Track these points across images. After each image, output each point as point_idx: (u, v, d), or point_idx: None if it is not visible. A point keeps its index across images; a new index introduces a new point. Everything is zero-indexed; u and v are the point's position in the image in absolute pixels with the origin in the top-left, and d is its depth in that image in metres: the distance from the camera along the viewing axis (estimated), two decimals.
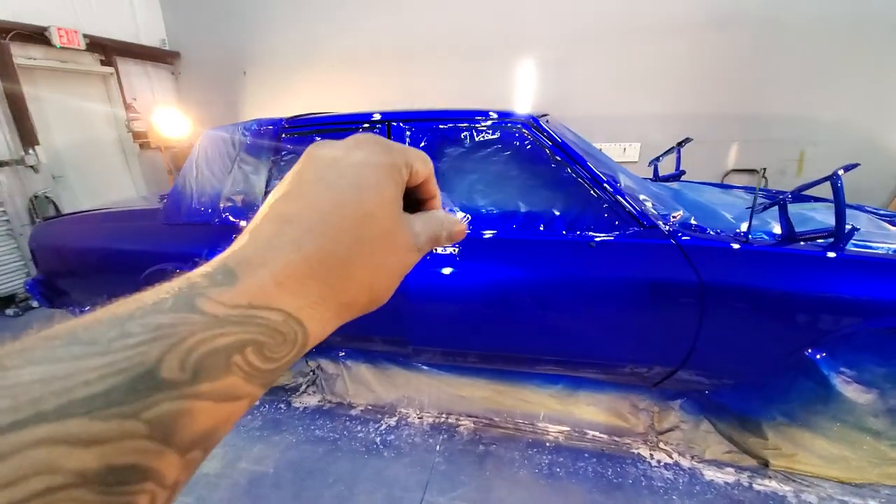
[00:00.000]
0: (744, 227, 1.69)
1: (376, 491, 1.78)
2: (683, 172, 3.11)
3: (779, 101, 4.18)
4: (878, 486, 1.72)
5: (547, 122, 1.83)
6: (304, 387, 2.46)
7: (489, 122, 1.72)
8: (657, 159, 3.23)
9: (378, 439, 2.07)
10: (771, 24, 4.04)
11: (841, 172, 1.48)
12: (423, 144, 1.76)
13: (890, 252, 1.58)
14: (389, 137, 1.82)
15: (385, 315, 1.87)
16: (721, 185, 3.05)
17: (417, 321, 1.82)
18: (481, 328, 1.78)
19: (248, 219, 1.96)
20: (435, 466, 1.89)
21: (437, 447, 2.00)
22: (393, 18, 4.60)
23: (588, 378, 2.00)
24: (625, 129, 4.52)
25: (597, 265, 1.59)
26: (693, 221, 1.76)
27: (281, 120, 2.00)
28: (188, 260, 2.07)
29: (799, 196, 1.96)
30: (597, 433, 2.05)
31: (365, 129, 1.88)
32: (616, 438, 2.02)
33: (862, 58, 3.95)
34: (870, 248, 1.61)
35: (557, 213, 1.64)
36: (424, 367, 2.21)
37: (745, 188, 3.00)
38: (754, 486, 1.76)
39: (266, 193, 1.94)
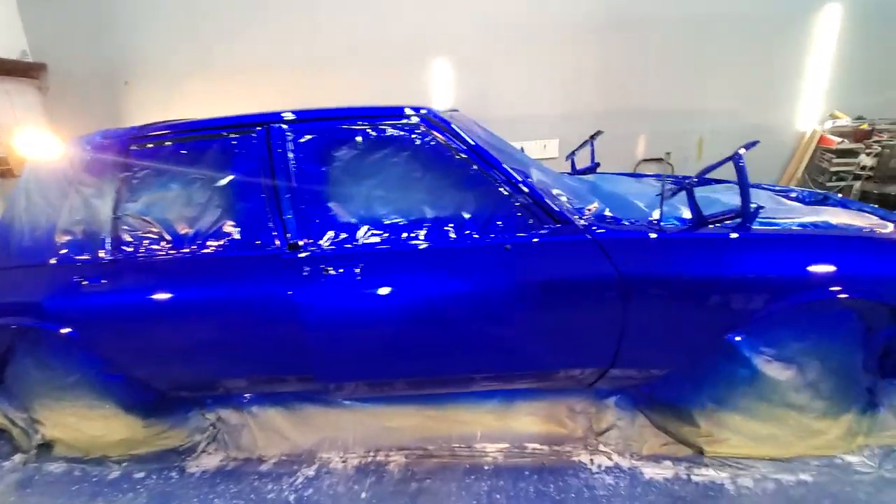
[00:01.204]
0: (656, 214, 1.65)
1: None
2: (598, 165, 3.14)
3: (676, 95, 4.47)
4: (807, 458, 1.75)
5: (451, 117, 1.67)
6: (202, 446, 2.06)
7: (383, 120, 1.52)
8: (573, 153, 3.24)
9: (293, 497, 1.76)
10: (662, 25, 4.31)
11: (742, 151, 1.47)
12: (309, 148, 1.52)
13: (794, 227, 1.61)
14: (269, 142, 1.55)
15: (287, 351, 1.60)
16: (633, 175, 3.10)
17: (323, 353, 1.56)
18: (397, 352, 1.56)
19: (93, 253, 1.58)
20: None
21: (363, 494, 1.74)
22: (291, 26, 4.29)
23: (523, 388, 1.87)
24: (543, 127, 4.58)
25: (515, 268, 1.45)
26: (608, 213, 1.69)
27: (132, 129, 1.65)
28: (20, 312, 1.63)
29: (704, 179, 1.98)
30: (537, 445, 1.91)
31: (240, 135, 1.59)
32: (556, 448, 1.90)
33: (743, 50, 4.35)
34: (775, 224, 1.63)
35: (467, 217, 1.48)
36: (346, 402, 1.95)
37: (655, 176, 3.09)
38: (693, 477, 1.71)
39: (117, 219, 1.57)
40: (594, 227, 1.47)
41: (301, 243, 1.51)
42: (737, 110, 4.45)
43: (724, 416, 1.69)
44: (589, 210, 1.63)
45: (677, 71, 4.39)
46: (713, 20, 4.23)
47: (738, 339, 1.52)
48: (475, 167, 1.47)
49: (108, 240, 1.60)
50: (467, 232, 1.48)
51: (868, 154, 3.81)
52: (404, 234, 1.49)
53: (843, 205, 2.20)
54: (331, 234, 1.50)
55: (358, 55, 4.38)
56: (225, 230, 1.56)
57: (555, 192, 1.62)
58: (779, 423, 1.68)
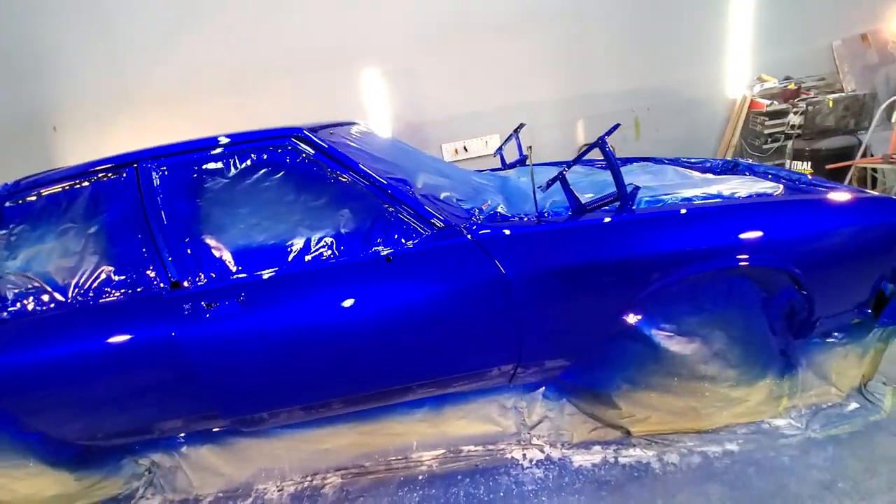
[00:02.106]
0: (548, 204, 1.66)
1: None
2: (526, 157, 3.14)
3: (606, 78, 4.53)
4: (734, 427, 1.77)
5: (332, 133, 1.66)
6: (140, 492, 2.02)
7: (251, 146, 1.49)
8: (500, 149, 3.24)
9: None
10: (583, 12, 4.38)
11: (607, 139, 1.47)
12: (179, 182, 1.49)
13: (679, 201, 1.63)
14: (139, 181, 1.51)
15: (184, 391, 1.56)
16: (560, 163, 3.10)
17: (219, 389, 1.53)
18: (291, 377, 1.54)
19: None
20: None
21: None
22: (210, 47, 4.22)
23: (451, 392, 1.86)
24: (481, 124, 4.59)
25: (398, 278, 1.44)
26: (501, 210, 1.69)
27: (5, 186, 1.60)
28: None
29: (585, 163, 1.98)
30: (472, 447, 1.91)
31: (110, 177, 1.55)
32: (491, 447, 1.89)
33: (665, 26, 4.42)
34: (660, 201, 1.65)
35: (347, 233, 1.46)
36: (277, 430, 1.91)
37: (587, 162, 3.08)
38: (620, 459, 1.72)
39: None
40: (476, 228, 1.47)
41: (185, 283, 1.48)
42: (668, 86, 4.52)
43: (640, 395, 1.70)
44: (480, 209, 1.63)
45: (606, 54, 4.45)
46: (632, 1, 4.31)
47: (634, 319, 1.54)
48: (349, 183, 1.46)
49: None
50: (348, 248, 1.46)
51: (795, 113, 3.90)
52: (285, 259, 1.46)
53: (751, 170, 2.24)
54: (211, 268, 1.47)
55: (282, 72, 4.33)
56: (107, 277, 1.51)
57: (443, 195, 1.61)
58: (695, 395, 1.70)
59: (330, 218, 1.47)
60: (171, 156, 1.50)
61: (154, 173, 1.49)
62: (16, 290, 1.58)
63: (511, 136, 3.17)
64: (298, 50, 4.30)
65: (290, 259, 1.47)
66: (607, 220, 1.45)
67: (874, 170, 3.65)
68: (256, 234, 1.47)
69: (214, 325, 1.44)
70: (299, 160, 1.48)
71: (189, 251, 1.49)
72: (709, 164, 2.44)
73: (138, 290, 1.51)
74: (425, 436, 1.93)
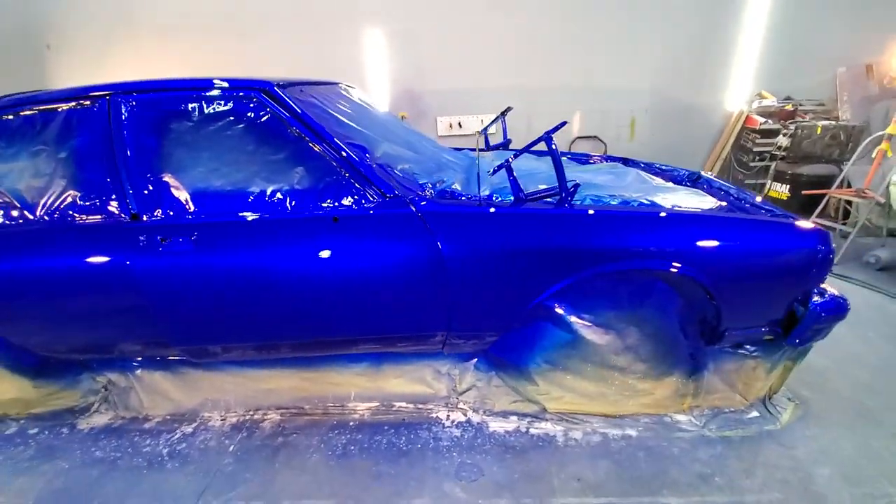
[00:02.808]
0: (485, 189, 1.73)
1: None
2: (510, 141, 3.19)
3: (609, 73, 4.50)
4: (639, 416, 1.93)
5: (301, 91, 1.71)
6: (95, 406, 2.18)
7: (220, 93, 1.56)
8: (485, 129, 3.27)
9: (166, 451, 1.89)
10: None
11: (553, 136, 1.54)
12: (148, 119, 1.56)
13: (615, 203, 1.72)
14: (110, 113, 1.58)
15: (135, 319, 1.69)
16: (537, 152, 3.15)
17: (168, 320, 1.66)
18: (233, 317, 1.66)
19: None
20: (221, 469, 1.77)
21: (231, 448, 1.88)
22: None
23: (391, 352, 2.00)
24: (479, 102, 4.60)
25: (343, 240, 1.55)
26: (456, 187, 1.78)
27: None
28: None
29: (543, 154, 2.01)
30: (403, 404, 2.07)
31: (83, 106, 1.61)
32: (420, 406, 2.06)
33: (676, 29, 4.37)
34: (601, 201, 1.74)
35: (301, 189, 1.55)
36: (227, 366, 2.06)
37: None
38: (531, 430, 1.89)
39: None
40: (421, 201, 1.56)
41: (144, 216, 1.58)
42: (669, 90, 4.52)
43: (558, 375, 1.85)
44: (434, 185, 1.72)
45: (611, 50, 4.42)
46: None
47: (557, 306, 1.66)
48: (307, 142, 1.53)
49: None
50: (300, 204, 1.55)
51: (784, 135, 3.94)
52: (238, 206, 1.56)
53: (709, 183, 2.33)
54: (169, 205, 1.57)
55: (283, 21, 4.27)
56: (73, 201, 1.61)
57: (400, 167, 1.69)
58: (605, 382, 1.85)
59: (286, 173, 1.56)
60: (143, 92, 1.56)
61: (124, 107, 1.55)
62: None
63: (497, 118, 3.19)
64: (302, 0, 4.23)
65: (243, 206, 1.56)
66: (540, 210, 1.54)
67: (848, 202, 3.74)
68: (215, 179, 1.56)
69: (166, 258, 1.55)
70: (264, 114, 1.54)
71: (150, 186, 1.57)
72: (675, 174, 2.52)
73: (101, 217, 1.61)
74: (363, 388, 2.08)
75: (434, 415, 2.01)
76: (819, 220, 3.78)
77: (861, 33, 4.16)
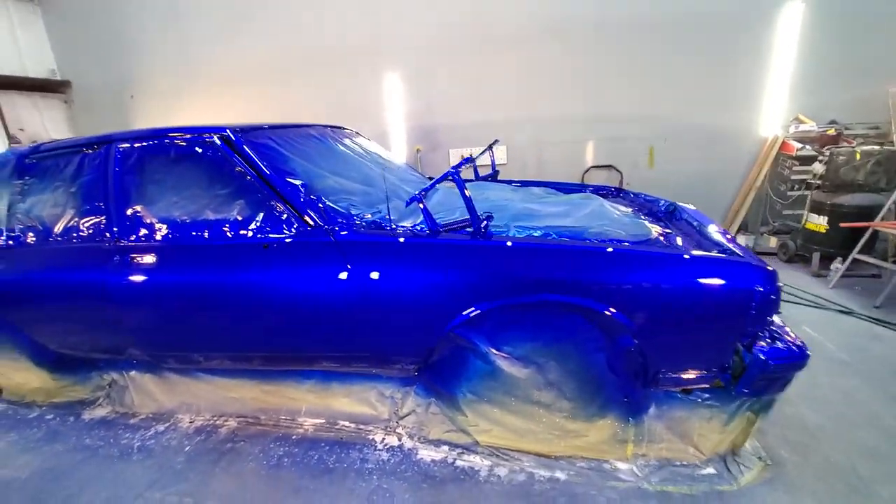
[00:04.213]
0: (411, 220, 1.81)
1: (103, 491, 1.86)
2: (498, 172, 3.25)
3: (627, 100, 4.40)
4: (575, 459, 1.83)
5: (258, 135, 1.95)
6: (100, 400, 2.53)
7: (187, 138, 1.84)
8: (473, 160, 3.35)
9: (137, 445, 2.14)
10: (611, 29, 4.26)
11: (460, 169, 1.59)
12: (131, 161, 1.90)
13: (535, 234, 1.72)
14: (109, 158, 1.95)
15: (113, 327, 1.99)
16: (523, 182, 3.16)
17: (135, 329, 1.93)
18: (186, 328, 1.89)
19: None
20: (172, 466, 1.97)
21: (187, 448, 2.08)
22: (260, 40, 4.78)
23: (339, 371, 2.11)
24: (491, 134, 4.62)
25: (272, 265, 1.72)
26: (391, 217, 1.88)
27: (29, 147, 2.13)
28: None
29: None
30: (346, 423, 2.15)
31: (92, 151, 2.00)
32: (362, 426, 2.12)
33: (699, 53, 4.19)
34: (526, 231, 1.74)
35: (241, 219, 1.77)
36: (201, 373, 2.30)
37: (543, 184, 3.11)
38: (457, 462, 1.86)
39: (11, 218, 2.07)
40: (341, 231, 1.69)
41: (122, 240, 1.89)
42: (692, 116, 4.28)
43: (484, 407, 1.82)
44: (363, 217, 1.84)
45: (628, 75, 4.31)
46: (667, 22, 4.12)
47: (471, 336, 1.67)
48: (249, 179, 1.75)
49: (5, 231, 2.09)
50: (239, 232, 1.76)
51: (820, 161, 3.54)
52: (192, 233, 1.81)
53: (681, 216, 2.21)
54: (141, 230, 1.86)
55: (316, 66, 4.78)
56: (76, 226, 1.97)
57: (331, 199, 1.84)
58: (533, 419, 1.79)
59: (230, 205, 1.78)
60: (130, 140, 1.91)
61: (119, 152, 1.91)
62: (21, 226, 2.10)
63: (485, 150, 3.28)
64: (330, 48, 4.72)
65: (195, 233, 1.81)
66: (444, 241, 1.60)
67: None
68: (175, 210, 1.83)
69: (130, 275, 1.83)
70: (216, 155, 1.80)
71: (129, 215, 1.89)
72: (655, 205, 2.43)
73: (96, 240, 1.95)
74: (313, 404, 2.20)
75: (371, 436, 2.06)
76: (863, 257, 3.30)
77: None
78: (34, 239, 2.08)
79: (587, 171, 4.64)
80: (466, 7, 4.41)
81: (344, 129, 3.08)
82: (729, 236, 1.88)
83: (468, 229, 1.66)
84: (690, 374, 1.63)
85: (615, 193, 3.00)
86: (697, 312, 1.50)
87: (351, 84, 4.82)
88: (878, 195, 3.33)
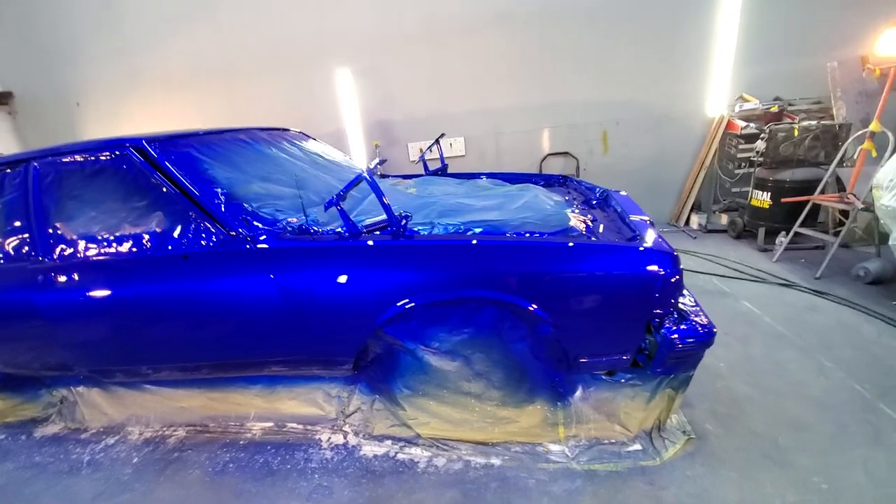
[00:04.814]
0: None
1: None
2: (447, 166, 3.27)
3: (575, 89, 4.42)
4: (511, 444, 1.89)
5: (174, 144, 1.92)
6: (52, 417, 2.52)
7: (100, 152, 1.82)
8: (422, 155, 3.37)
9: (87, 459, 2.15)
10: (557, 17, 4.26)
11: (366, 175, 1.59)
12: (48, 178, 1.87)
13: (452, 230, 1.75)
14: (28, 176, 1.91)
15: (45, 345, 1.98)
16: (463, 175, 3.17)
17: (65, 345, 1.93)
18: (115, 342, 1.89)
19: None
20: (119, 477, 1.99)
21: (134, 460, 2.10)
22: (206, 40, 4.67)
23: (285, 375, 2.13)
24: (448, 126, 4.67)
25: (193, 275, 1.72)
26: (320, 219, 1.89)
27: None
28: None
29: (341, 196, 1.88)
30: (294, 425, 2.18)
31: (13, 170, 1.96)
32: (310, 427, 2.15)
33: (644, 37, 4.22)
34: (449, 227, 1.78)
35: (159, 231, 1.76)
36: (149, 385, 2.30)
37: (491, 175, 3.14)
38: (399, 455, 1.92)
39: None
40: (260, 237, 1.70)
41: (43, 258, 1.87)
42: (642, 99, 4.34)
43: (421, 400, 1.88)
44: (290, 223, 1.84)
45: (579, 61, 4.34)
46: (611, 5, 4.14)
47: (398, 333, 1.71)
48: (166, 190, 1.74)
49: None
50: (158, 244, 1.75)
51: (762, 139, 3.64)
52: (113, 247, 1.79)
53: (609, 203, 2.26)
54: (60, 248, 1.84)
55: (265, 65, 4.69)
56: (2, 246, 1.94)
57: (254, 206, 1.83)
58: (467, 409, 1.85)
59: (148, 217, 1.77)
60: (44, 157, 1.87)
61: (36, 170, 1.87)
62: None
63: (432, 143, 3.30)
64: (280, 46, 4.63)
65: (116, 247, 1.80)
66: (360, 243, 1.63)
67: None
68: (95, 225, 1.82)
69: (56, 294, 1.82)
70: (132, 167, 1.78)
71: (50, 232, 1.87)
72: (592, 193, 2.48)
73: (20, 260, 1.92)
74: (261, 409, 2.23)
75: (318, 436, 2.10)
76: (804, 230, 3.43)
77: (854, 22, 3.76)
78: None
79: (544, 158, 4.68)
80: None
81: (287, 130, 3.05)
82: (648, 221, 1.94)
83: (390, 229, 1.68)
84: (608, 357, 1.70)
85: (561, 182, 3.05)
86: (605, 298, 1.56)
87: (303, 82, 4.75)
88: (817, 169, 3.45)
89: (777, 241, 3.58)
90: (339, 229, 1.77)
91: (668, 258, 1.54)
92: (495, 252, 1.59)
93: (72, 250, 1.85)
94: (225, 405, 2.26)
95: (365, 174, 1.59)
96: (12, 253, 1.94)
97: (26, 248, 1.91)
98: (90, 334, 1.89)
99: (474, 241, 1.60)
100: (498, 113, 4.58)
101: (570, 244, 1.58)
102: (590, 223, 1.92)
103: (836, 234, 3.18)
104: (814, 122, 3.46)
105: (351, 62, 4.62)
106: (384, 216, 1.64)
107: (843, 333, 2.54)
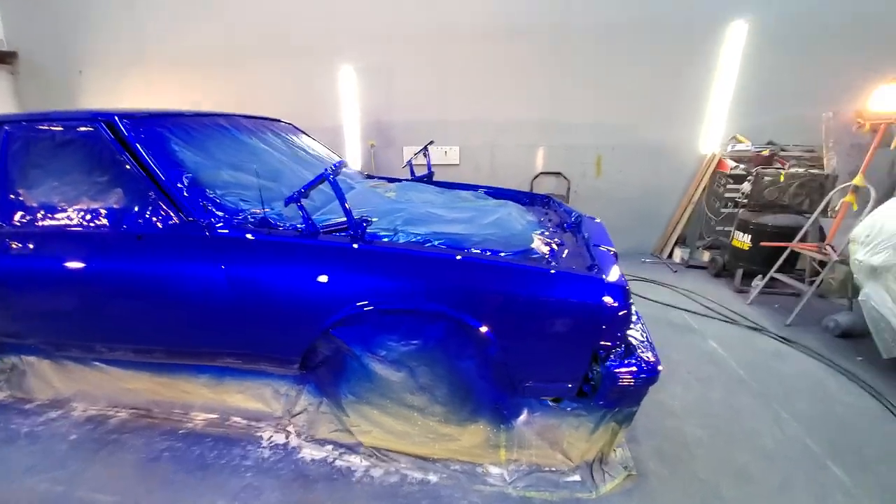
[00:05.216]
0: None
1: None
2: (433, 173, 3.27)
3: (575, 110, 4.44)
4: (451, 461, 1.86)
5: (146, 124, 1.90)
6: (0, 385, 2.48)
7: (70, 122, 1.81)
8: (410, 160, 3.37)
9: (25, 430, 2.11)
10: (567, 36, 4.28)
11: (331, 176, 1.58)
12: (18, 144, 1.85)
13: (409, 238, 1.74)
14: (2, 140, 1.90)
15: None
16: (453, 185, 3.18)
17: (18, 312, 1.91)
18: (67, 316, 1.88)
19: None
20: (54, 453, 1.95)
21: (72, 437, 2.06)
22: (216, 21, 4.67)
23: (233, 367, 2.10)
24: (445, 133, 4.69)
25: (146, 256, 1.70)
26: (284, 214, 1.87)
27: None
28: None
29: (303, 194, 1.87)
30: (239, 419, 2.15)
31: None
32: (254, 423, 2.12)
33: (648, 67, 4.25)
34: (410, 235, 1.77)
35: (117, 207, 1.74)
36: (98, 363, 2.27)
37: (465, 186, 3.14)
38: (337, 462, 1.89)
39: None
40: (217, 225, 1.68)
41: (4, 224, 1.85)
42: (640, 127, 4.36)
43: (364, 408, 1.85)
44: (253, 213, 1.83)
45: (583, 83, 4.36)
46: (617, 33, 4.17)
47: (344, 338, 1.69)
48: (129, 168, 1.73)
49: None
50: (115, 220, 1.74)
51: (748, 181, 3.65)
52: (71, 219, 1.78)
53: (580, 229, 2.26)
54: (20, 215, 1.82)
55: (269, 55, 4.69)
56: None
57: (217, 193, 1.82)
58: (409, 422, 1.82)
59: (108, 192, 1.76)
60: (17, 122, 1.86)
61: (8, 135, 1.86)
62: None
63: (420, 150, 3.29)
64: (287, 36, 4.63)
65: (73, 219, 1.78)
66: (312, 242, 1.62)
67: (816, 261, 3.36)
68: (54, 195, 1.80)
69: (10, 259, 1.80)
70: (99, 141, 1.77)
71: (12, 198, 1.85)
72: (569, 216, 2.48)
73: None
74: (208, 399, 2.19)
75: (259, 433, 2.06)
76: (780, 276, 3.43)
77: (856, 75, 3.80)
78: None
79: (536, 176, 4.69)
80: (424, 2, 4.38)
81: (278, 121, 3.04)
82: (612, 252, 1.93)
83: (349, 232, 1.67)
84: (553, 384, 1.68)
85: (544, 202, 3.05)
86: (551, 324, 1.55)
87: (306, 75, 4.75)
88: (800, 217, 3.46)
89: (753, 284, 3.58)
90: (300, 226, 1.76)
91: (619, 291, 1.53)
92: (446, 266, 1.58)
93: (30, 218, 1.83)
94: (172, 391, 2.22)
95: (329, 174, 1.58)
96: None
97: None
98: (42, 304, 1.87)
99: (427, 253, 1.58)
100: (496, 126, 4.59)
101: (523, 266, 1.56)
102: (555, 247, 1.92)
103: (812, 282, 3.18)
104: (801, 170, 3.48)
105: (356, 59, 4.63)
106: (345, 218, 1.64)
107: (806, 385, 2.53)
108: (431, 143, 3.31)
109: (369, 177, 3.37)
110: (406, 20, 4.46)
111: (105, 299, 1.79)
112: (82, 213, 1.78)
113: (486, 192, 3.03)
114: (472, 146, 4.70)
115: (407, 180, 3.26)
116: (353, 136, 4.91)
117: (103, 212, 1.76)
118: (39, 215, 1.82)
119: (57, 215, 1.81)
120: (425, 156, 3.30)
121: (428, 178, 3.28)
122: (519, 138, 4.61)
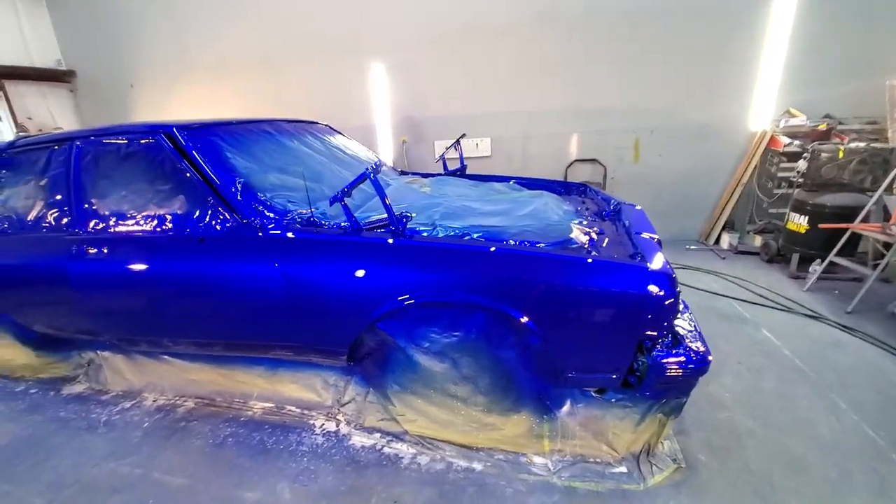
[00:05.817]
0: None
1: (67, 458, 2.05)
2: (465, 166, 3.28)
3: (609, 94, 4.30)
4: (495, 451, 1.90)
5: (203, 133, 2.03)
6: (79, 377, 2.74)
7: (134, 136, 1.96)
8: (443, 154, 3.39)
9: (104, 419, 2.33)
10: (598, 20, 4.15)
11: (371, 175, 1.63)
12: (88, 157, 2.03)
13: (450, 234, 1.77)
14: (72, 153, 2.09)
15: (73, 311, 2.16)
16: (476, 177, 3.17)
17: (95, 314, 2.10)
18: (137, 313, 2.04)
19: None
20: (130, 440, 2.15)
21: (145, 424, 2.26)
22: (250, 29, 4.86)
23: (287, 359, 2.22)
24: (476, 126, 4.66)
25: (207, 257, 1.83)
26: (329, 213, 1.95)
27: (6, 142, 2.30)
28: None
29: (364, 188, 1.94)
30: (293, 408, 2.28)
31: (60, 147, 2.14)
32: (307, 412, 2.24)
33: (688, 44, 4.06)
34: (449, 230, 1.80)
35: (180, 213, 1.88)
36: (165, 357, 2.47)
37: (498, 178, 3.11)
38: (385, 449, 1.97)
39: None
40: (269, 226, 1.78)
41: (79, 231, 2.04)
42: (680, 108, 4.16)
43: (409, 398, 1.92)
44: (300, 214, 1.92)
45: (617, 66, 4.20)
46: (657, 11, 3.98)
47: (391, 330, 1.75)
48: (189, 175, 1.86)
49: None
50: (178, 225, 1.88)
51: (804, 158, 3.41)
52: (139, 224, 1.93)
53: (620, 217, 2.21)
54: (94, 222, 2.00)
55: (303, 58, 4.82)
56: (43, 216, 2.13)
57: (267, 195, 1.91)
58: (453, 411, 1.87)
59: (170, 199, 1.90)
60: (86, 137, 2.04)
61: (79, 148, 2.05)
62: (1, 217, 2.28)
63: (453, 144, 3.31)
64: (319, 38, 4.73)
65: (140, 225, 1.94)
66: (360, 239, 1.69)
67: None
68: (122, 203, 1.96)
69: (86, 264, 1.98)
70: (161, 152, 1.91)
71: (86, 207, 2.03)
72: (608, 204, 2.44)
73: (58, 231, 2.10)
74: (263, 389, 2.34)
75: (312, 421, 2.18)
76: (840, 260, 3.21)
77: None
78: (11, 228, 2.25)
79: (571, 164, 4.59)
80: None
81: (315, 123, 3.15)
82: (655, 239, 1.88)
83: (391, 228, 1.72)
84: (596, 375, 1.67)
85: (580, 191, 3.00)
86: (594, 314, 1.54)
87: (338, 75, 4.86)
88: (861, 195, 3.21)
89: (811, 269, 3.37)
90: (344, 224, 1.83)
91: (664, 279, 1.50)
92: (486, 258, 1.60)
93: (103, 225, 2.01)
94: (231, 382, 2.38)
95: (370, 173, 1.64)
96: (53, 223, 2.13)
97: (65, 219, 2.09)
98: (115, 304, 2.06)
99: (467, 247, 1.61)
100: (527, 115, 4.52)
101: (563, 256, 1.56)
102: (594, 236, 1.89)
103: (875, 266, 2.96)
104: (862, 144, 3.22)
105: (385, 57, 4.68)
106: (386, 215, 1.69)
107: (866, 374, 2.38)
108: (463, 136, 3.32)
109: (403, 173, 3.42)
110: (433, 16, 4.45)
111: (171, 298, 1.95)
112: (148, 219, 1.94)
113: (519, 183, 3.01)
114: (504, 137, 4.66)
115: (440, 175, 3.29)
116: (384, 133, 4.98)
117: (168, 217, 1.91)
118: (111, 222, 2.00)
119: (126, 222, 1.97)
120: (457, 149, 3.32)
121: (461, 172, 3.30)
122: (551, 126, 4.52)
